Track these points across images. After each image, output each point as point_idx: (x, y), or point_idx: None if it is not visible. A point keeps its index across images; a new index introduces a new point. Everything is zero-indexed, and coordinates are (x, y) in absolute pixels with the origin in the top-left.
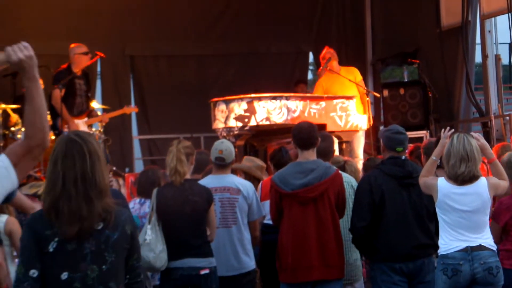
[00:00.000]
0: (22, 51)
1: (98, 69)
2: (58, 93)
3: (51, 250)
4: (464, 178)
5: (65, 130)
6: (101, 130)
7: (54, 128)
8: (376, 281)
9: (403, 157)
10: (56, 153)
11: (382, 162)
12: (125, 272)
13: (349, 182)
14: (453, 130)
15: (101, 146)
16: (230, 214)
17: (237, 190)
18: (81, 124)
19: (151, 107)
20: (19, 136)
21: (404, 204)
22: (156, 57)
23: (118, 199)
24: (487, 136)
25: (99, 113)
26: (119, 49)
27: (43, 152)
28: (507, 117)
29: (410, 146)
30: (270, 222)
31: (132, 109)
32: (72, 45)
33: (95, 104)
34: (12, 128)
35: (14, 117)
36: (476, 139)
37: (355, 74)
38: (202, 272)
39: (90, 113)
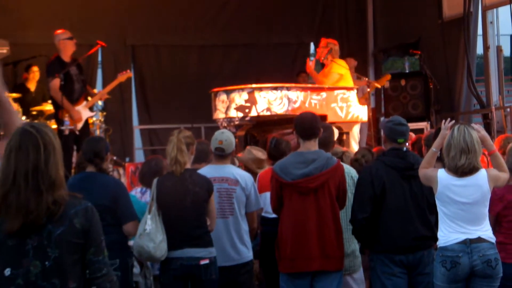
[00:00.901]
0: None
1: (99, 58)
2: (57, 83)
3: None
4: (464, 170)
5: (66, 119)
6: (102, 119)
7: (56, 118)
8: (376, 272)
9: (405, 149)
10: (10, 146)
11: (384, 153)
12: (85, 267)
13: (349, 173)
14: (453, 121)
15: (57, 137)
16: (228, 205)
17: (235, 181)
18: (82, 109)
19: (152, 97)
20: None
21: (405, 196)
22: (157, 47)
23: (119, 189)
24: (488, 127)
25: (95, 91)
26: (121, 38)
27: None
28: (508, 109)
29: (413, 137)
30: (268, 215)
31: (126, 75)
32: (57, 32)
33: None
34: None
35: (14, 106)
36: (477, 130)
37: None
38: (202, 262)
39: (87, 95)
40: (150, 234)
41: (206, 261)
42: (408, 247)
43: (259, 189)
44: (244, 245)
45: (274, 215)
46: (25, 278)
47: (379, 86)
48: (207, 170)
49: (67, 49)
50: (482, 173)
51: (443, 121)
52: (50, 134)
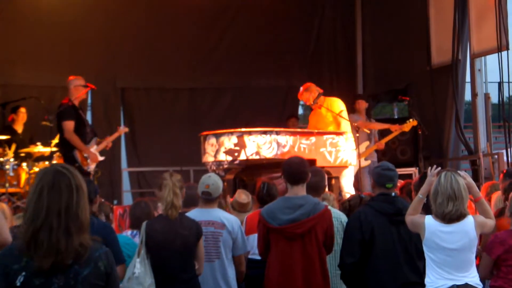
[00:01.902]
0: None
1: (89, 100)
2: (71, 126)
3: (18, 284)
4: (451, 217)
5: (88, 162)
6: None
7: (73, 160)
8: None
9: (393, 194)
10: (42, 184)
11: (372, 198)
12: None
13: (339, 218)
14: (439, 168)
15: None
16: (214, 249)
17: (221, 225)
18: (95, 152)
19: (141, 140)
20: (7, 167)
21: (393, 241)
22: (147, 90)
23: (108, 233)
24: (476, 174)
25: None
26: (110, 81)
27: None
28: (496, 156)
29: (401, 182)
30: (256, 257)
31: (124, 130)
32: (71, 78)
33: None
34: (0, 159)
35: (1, 148)
36: (463, 177)
37: (334, 106)
38: None
39: (96, 140)
40: (139, 278)
41: None
42: None
43: (247, 231)
44: None
45: (260, 257)
46: None
47: (406, 130)
48: (194, 214)
49: (79, 95)
50: (469, 220)
51: (429, 167)
52: (79, 176)
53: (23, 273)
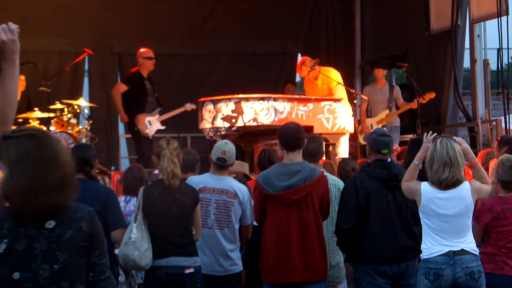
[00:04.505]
0: (6, 33)
1: (86, 66)
2: (119, 87)
3: (1, 251)
4: (447, 183)
5: (147, 127)
6: (88, 128)
7: (132, 123)
8: (361, 283)
9: (389, 160)
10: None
11: (368, 164)
12: (88, 269)
13: (336, 184)
14: (435, 134)
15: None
16: (225, 217)
17: (234, 194)
18: (155, 120)
19: None
20: None
21: (389, 207)
22: None
23: (109, 195)
24: (474, 141)
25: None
26: (107, 47)
27: None
28: (494, 122)
29: (398, 149)
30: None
31: (191, 107)
32: (141, 50)
33: (82, 102)
34: None
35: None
36: (459, 143)
37: (330, 77)
38: (187, 271)
39: (160, 111)
40: (135, 243)
41: (191, 270)
42: (393, 257)
43: None
44: (236, 256)
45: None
46: (34, 281)
47: (424, 101)
48: (206, 180)
49: (146, 67)
50: (466, 186)
51: (425, 133)
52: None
53: (5, 240)
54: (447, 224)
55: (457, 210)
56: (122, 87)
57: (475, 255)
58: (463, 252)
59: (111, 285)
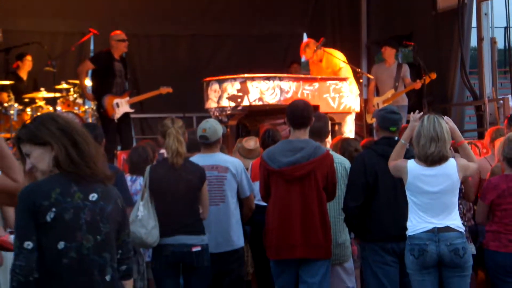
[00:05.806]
0: None
1: (91, 46)
2: (85, 65)
3: (48, 220)
4: (434, 159)
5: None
6: (94, 108)
7: (99, 106)
8: (368, 261)
9: (396, 138)
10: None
11: (375, 142)
12: (117, 247)
13: (343, 163)
14: (422, 113)
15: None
16: (218, 192)
17: (225, 168)
18: (124, 103)
19: (144, 86)
20: (11, 112)
21: (395, 185)
22: (149, 37)
23: (118, 174)
24: (481, 119)
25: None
26: (112, 27)
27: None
28: (501, 101)
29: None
30: (261, 202)
31: (167, 90)
32: (113, 33)
33: (88, 82)
34: (5, 104)
35: (5, 93)
36: (446, 122)
37: (334, 59)
38: (194, 249)
39: (131, 94)
40: (142, 221)
41: (198, 248)
42: (399, 235)
43: (252, 177)
44: (234, 232)
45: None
46: (78, 251)
47: (426, 82)
48: (196, 159)
49: (118, 49)
50: (451, 163)
51: (411, 112)
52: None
53: (53, 209)
54: (433, 201)
55: (443, 187)
56: (88, 65)
57: (460, 232)
58: (448, 229)
59: (133, 263)
